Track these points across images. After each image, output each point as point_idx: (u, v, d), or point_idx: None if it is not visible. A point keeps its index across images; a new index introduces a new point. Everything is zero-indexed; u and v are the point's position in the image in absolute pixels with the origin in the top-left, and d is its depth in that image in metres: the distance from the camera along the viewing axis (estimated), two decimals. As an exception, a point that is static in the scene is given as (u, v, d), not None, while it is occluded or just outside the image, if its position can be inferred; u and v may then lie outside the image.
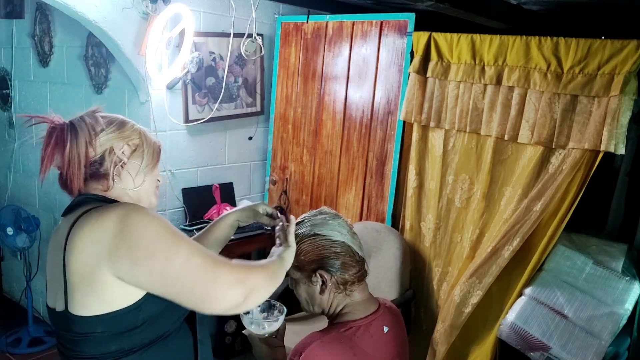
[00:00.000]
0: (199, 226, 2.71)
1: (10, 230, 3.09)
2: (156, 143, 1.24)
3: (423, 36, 2.43)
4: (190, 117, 2.72)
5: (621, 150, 1.99)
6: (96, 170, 1.13)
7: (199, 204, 2.83)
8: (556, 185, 2.14)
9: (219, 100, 2.79)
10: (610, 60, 1.98)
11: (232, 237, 1.54)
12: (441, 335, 2.40)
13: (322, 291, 1.35)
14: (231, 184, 3.07)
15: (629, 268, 2.31)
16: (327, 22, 2.83)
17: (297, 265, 1.35)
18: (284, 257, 1.26)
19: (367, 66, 2.69)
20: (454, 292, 2.38)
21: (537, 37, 2.13)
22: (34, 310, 3.33)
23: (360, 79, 2.73)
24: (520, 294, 2.27)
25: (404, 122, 2.58)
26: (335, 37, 2.80)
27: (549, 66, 2.11)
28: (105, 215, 1.05)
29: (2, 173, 3.63)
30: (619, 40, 1.96)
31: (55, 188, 3.55)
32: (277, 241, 1.34)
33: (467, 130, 2.38)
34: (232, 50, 2.81)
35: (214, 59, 2.75)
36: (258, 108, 3.08)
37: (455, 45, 2.35)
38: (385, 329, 1.38)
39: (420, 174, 2.59)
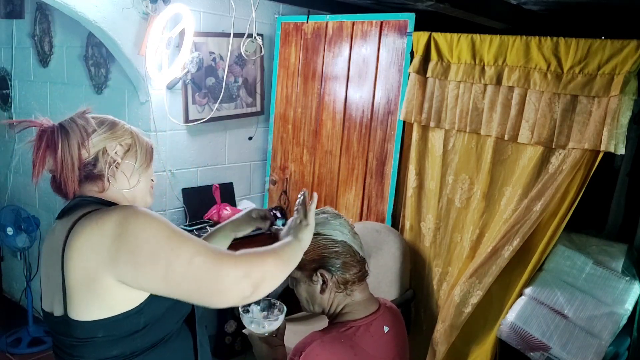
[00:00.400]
0: (199, 226, 2.72)
1: (10, 230, 3.09)
2: (148, 143, 1.22)
3: (423, 36, 2.43)
4: (190, 117, 2.72)
5: (621, 150, 1.99)
6: (90, 172, 1.12)
7: (199, 204, 2.83)
8: (556, 185, 2.14)
9: (219, 100, 2.79)
10: (610, 60, 1.98)
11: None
12: (441, 335, 2.40)
13: (322, 291, 1.35)
14: (231, 184, 3.07)
15: (629, 268, 2.30)
16: (327, 22, 2.83)
17: (299, 264, 1.34)
18: (301, 238, 1.22)
19: (367, 66, 2.70)
20: (454, 292, 2.38)
21: (537, 37, 2.14)
22: (34, 310, 3.33)
23: (360, 79, 2.73)
24: (520, 294, 2.27)
25: (404, 122, 2.58)
26: (335, 37, 2.80)
27: (549, 66, 2.11)
28: (104, 218, 1.03)
29: (2, 173, 3.63)
30: (619, 40, 1.96)
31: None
32: (295, 214, 1.29)
33: (467, 130, 2.38)
34: (232, 50, 2.81)
35: (214, 59, 2.75)
36: (258, 108, 3.08)
37: (455, 45, 2.35)
38: (386, 328, 1.38)
39: (420, 174, 2.59)
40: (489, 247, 2.29)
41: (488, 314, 2.36)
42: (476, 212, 2.40)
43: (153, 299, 1.06)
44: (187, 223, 2.77)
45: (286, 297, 2.50)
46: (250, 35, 2.85)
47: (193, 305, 1.18)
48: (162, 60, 2.48)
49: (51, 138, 1.08)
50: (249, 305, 1.37)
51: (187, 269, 1.01)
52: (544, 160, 2.20)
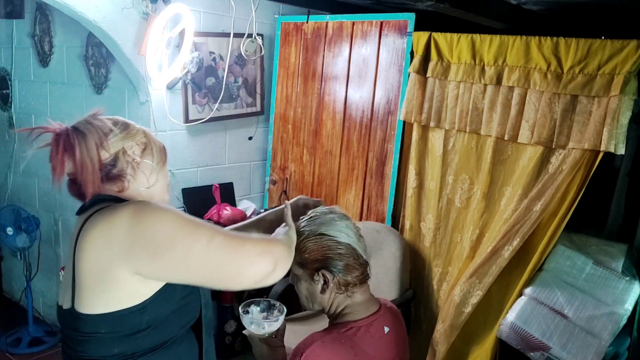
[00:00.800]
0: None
1: (10, 230, 3.09)
2: (160, 142, 1.24)
3: (423, 36, 2.43)
4: (190, 117, 2.72)
5: (621, 150, 1.99)
6: (110, 172, 1.12)
7: (199, 204, 2.83)
8: (556, 185, 2.14)
9: (219, 100, 2.79)
10: (610, 60, 1.98)
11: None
12: (441, 335, 2.40)
13: (323, 291, 1.35)
14: (231, 184, 3.07)
15: (629, 268, 2.31)
16: (327, 22, 2.83)
17: (301, 262, 1.35)
18: (290, 234, 1.29)
19: (367, 66, 2.69)
20: (454, 292, 2.38)
21: (537, 37, 2.13)
22: (34, 310, 3.33)
23: (360, 79, 2.73)
24: (520, 294, 2.27)
25: (404, 122, 2.58)
26: (335, 37, 2.80)
27: (549, 66, 2.11)
28: (117, 212, 1.04)
29: (2, 173, 3.63)
30: (619, 40, 1.96)
31: (55, 188, 3.54)
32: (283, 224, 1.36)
33: (467, 130, 2.38)
34: (232, 50, 2.81)
35: (214, 59, 2.75)
36: (258, 108, 3.08)
37: (455, 45, 2.35)
38: (386, 329, 1.38)
39: (420, 174, 2.59)
40: (489, 247, 2.29)
41: (488, 314, 2.36)
42: (476, 212, 2.40)
43: (158, 298, 1.06)
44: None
45: (286, 297, 2.51)
46: (250, 35, 2.85)
47: (200, 313, 1.19)
48: (162, 60, 2.48)
49: (67, 141, 1.08)
50: (249, 306, 1.37)
51: (206, 249, 1.03)
52: (544, 160, 2.19)
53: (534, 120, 2.17)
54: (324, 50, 2.86)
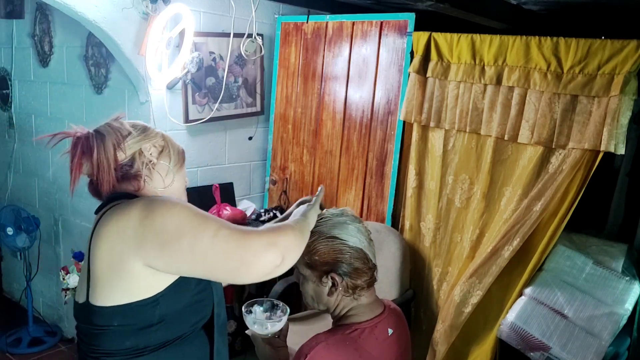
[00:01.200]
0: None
1: (10, 230, 3.09)
2: (179, 146, 1.27)
3: (423, 36, 2.43)
4: (190, 117, 2.72)
5: (621, 150, 1.99)
6: (127, 172, 1.16)
7: (198, 204, 2.77)
8: (556, 185, 2.14)
9: (219, 100, 2.79)
10: (610, 60, 1.98)
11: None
12: (441, 335, 2.40)
13: (330, 293, 1.34)
14: (231, 184, 3.07)
15: (629, 268, 2.31)
16: (327, 22, 2.83)
17: (309, 263, 1.34)
18: (308, 216, 1.29)
19: (367, 66, 2.70)
20: (454, 292, 2.38)
21: (537, 37, 2.14)
22: (34, 310, 3.33)
23: (360, 79, 2.73)
24: (520, 294, 2.27)
25: (404, 122, 2.58)
26: (335, 37, 2.80)
27: (549, 66, 2.11)
28: (130, 206, 1.08)
29: (2, 173, 3.63)
30: (619, 40, 1.96)
31: (55, 188, 3.53)
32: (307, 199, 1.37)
33: (467, 130, 2.38)
34: (232, 50, 2.81)
35: (214, 59, 2.75)
36: (258, 108, 3.08)
37: (455, 45, 2.35)
38: (390, 331, 1.38)
39: (420, 174, 2.60)
40: (489, 247, 2.29)
41: (488, 314, 2.36)
42: (476, 212, 2.40)
43: (171, 291, 1.08)
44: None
45: (288, 297, 2.51)
46: (250, 35, 2.85)
47: (213, 312, 1.19)
48: (162, 60, 2.48)
49: (86, 144, 1.13)
50: (252, 306, 1.37)
51: (212, 241, 1.05)
52: (544, 160, 2.20)
53: (534, 120, 2.17)
54: (324, 50, 2.86)
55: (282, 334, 1.39)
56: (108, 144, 1.13)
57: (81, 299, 1.12)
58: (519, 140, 2.23)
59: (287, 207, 3.12)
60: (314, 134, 2.97)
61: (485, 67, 2.29)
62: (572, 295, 2.21)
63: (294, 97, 3.02)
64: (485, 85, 2.30)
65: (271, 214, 3.03)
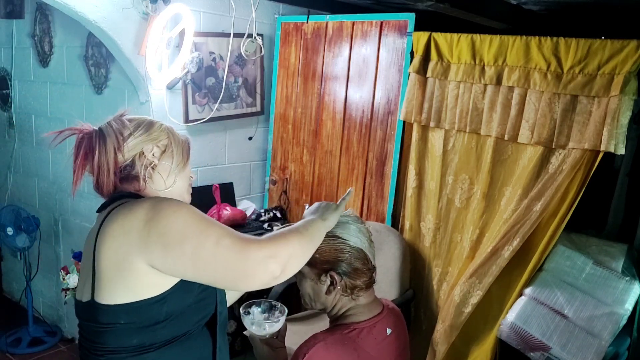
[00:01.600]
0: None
1: (10, 230, 3.09)
2: (185, 141, 1.26)
3: (423, 36, 2.43)
4: (190, 117, 2.72)
5: (621, 150, 1.99)
6: (128, 174, 1.16)
7: (199, 204, 2.77)
8: (556, 185, 2.14)
9: (219, 100, 2.79)
10: (610, 60, 1.98)
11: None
12: (441, 335, 2.40)
13: (329, 292, 1.35)
14: (231, 184, 3.07)
15: (629, 268, 2.31)
16: (327, 22, 2.83)
17: (310, 261, 1.34)
18: (326, 217, 1.27)
19: (367, 66, 2.69)
20: (454, 292, 2.38)
21: (537, 37, 2.13)
22: (34, 310, 3.33)
23: (360, 79, 2.73)
24: (520, 294, 2.27)
25: (404, 122, 2.58)
26: (335, 37, 2.80)
27: (549, 66, 2.11)
28: (136, 206, 1.07)
29: (2, 173, 3.63)
30: (619, 40, 1.96)
31: (55, 188, 3.53)
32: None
33: (467, 130, 2.38)
34: (232, 50, 2.81)
35: (214, 59, 2.75)
36: (258, 108, 3.08)
37: (455, 45, 2.35)
38: (388, 331, 1.38)
39: (420, 174, 2.59)
40: (489, 247, 2.29)
41: (488, 314, 2.36)
42: (476, 212, 2.40)
43: (178, 290, 1.09)
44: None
45: (287, 297, 2.51)
46: (250, 35, 2.85)
47: (216, 310, 1.20)
48: (162, 60, 2.48)
49: (89, 144, 1.14)
50: (250, 306, 1.37)
51: (214, 250, 1.04)
52: (544, 160, 2.20)
53: (534, 120, 2.17)
54: (324, 50, 2.86)
55: (280, 334, 1.39)
56: (109, 147, 1.13)
57: (85, 298, 1.11)
58: (519, 140, 2.23)
59: (288, 208, 3.12)
60: (314, 134, 2.97)
61: (485, 67, 2.28)
62: (572, 295, 2.21)
63: (294, 97, 3.02)
64: (485, 85, 2.30)
65: (271, 214, 3.03)
